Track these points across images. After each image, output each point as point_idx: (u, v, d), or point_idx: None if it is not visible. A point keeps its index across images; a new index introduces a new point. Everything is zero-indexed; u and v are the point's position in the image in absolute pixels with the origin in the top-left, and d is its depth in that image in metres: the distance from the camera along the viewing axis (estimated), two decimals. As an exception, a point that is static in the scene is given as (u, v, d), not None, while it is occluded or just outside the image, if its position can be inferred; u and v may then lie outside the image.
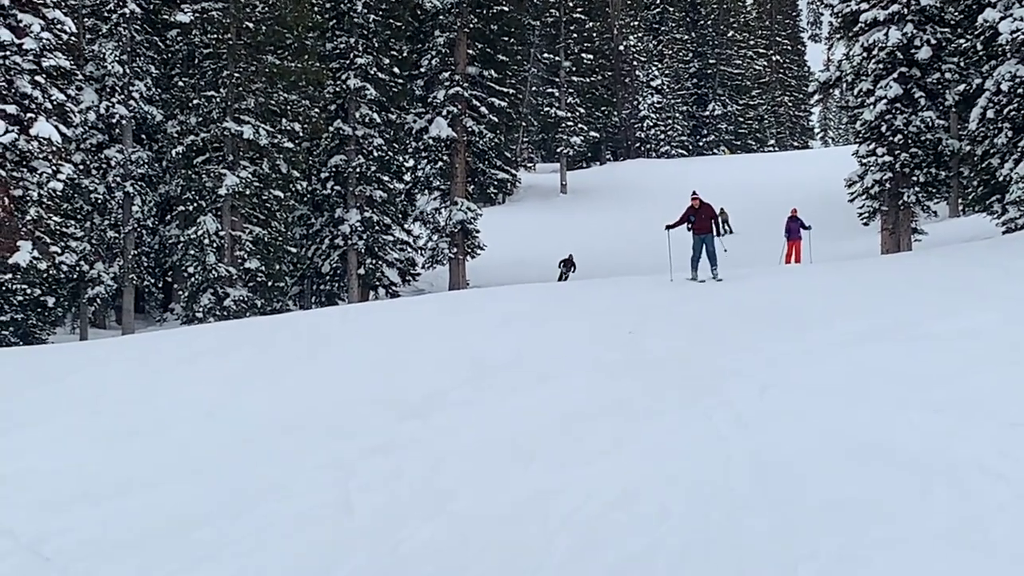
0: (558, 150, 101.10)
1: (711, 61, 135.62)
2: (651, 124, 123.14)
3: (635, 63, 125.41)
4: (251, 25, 54.44)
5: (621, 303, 27.34)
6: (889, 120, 44.23)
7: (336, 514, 11.79)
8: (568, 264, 60.48)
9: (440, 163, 63.59)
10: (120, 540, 11.67)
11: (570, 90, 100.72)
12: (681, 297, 27.47)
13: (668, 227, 32.30)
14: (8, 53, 40.04)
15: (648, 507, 10.62)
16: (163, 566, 10.87)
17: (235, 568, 10.69)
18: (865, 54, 44.96)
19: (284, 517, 11.89)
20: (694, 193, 32.10)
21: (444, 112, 63.58)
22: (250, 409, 18.14)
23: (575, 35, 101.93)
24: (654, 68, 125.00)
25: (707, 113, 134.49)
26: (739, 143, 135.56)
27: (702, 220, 30.99)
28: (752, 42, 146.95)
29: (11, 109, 40.08)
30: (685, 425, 13.40)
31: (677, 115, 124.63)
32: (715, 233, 31.20)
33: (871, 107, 44.91)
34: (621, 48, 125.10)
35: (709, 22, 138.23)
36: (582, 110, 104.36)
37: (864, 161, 46.24)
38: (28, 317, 47.17)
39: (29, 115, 40.33)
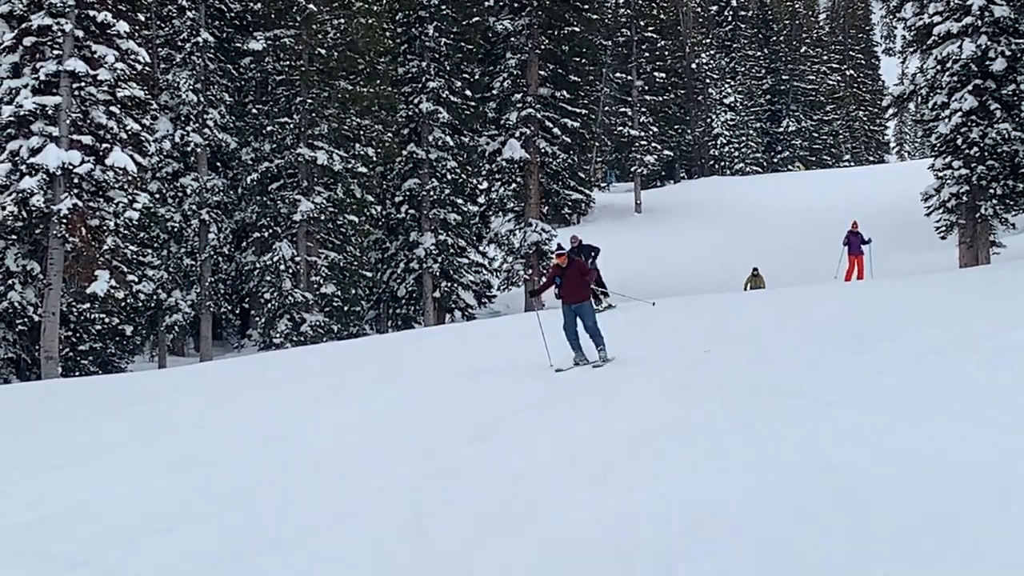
0: (632, 169, 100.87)
1: (784, 77, 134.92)
2: (725, 141, 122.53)
3: (707, 81, 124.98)
4: (323, 51, 54.77)
5: (692, 322, 27.20)
6: (965, 133, 43.72)
7: (408, 538, 11.72)
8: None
9: (514, 184, 63.50)
10: (188, 569, 11.66)
11: (643, 109, 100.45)
12: (749, 316, 27.28)
13: (531, 294, 25.24)
14: (83, 84, 40.39)
15: (723, 527, 10.47)
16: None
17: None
18: (939, 67, 44.49)
19: (355, 542, 11.83)
20: (559, 248, 24.82)
21: (517, 134, 63.54)
22: (323, 434, 18.16)
23: (647, 54, 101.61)
24: (727, 85, 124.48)
25: (781, 129, 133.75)
26: (814, 159, 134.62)
27: (570, 283, 22.52)
28: (825, 57, 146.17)
29: (87, 139, 40.41)
30: (755, 444, 13.23)
31: (751, 132, 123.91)
32: (591, 298, 23.10)
33: (946, 120, 44.41)
34: (693, 66, 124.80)
35: (781, 38, 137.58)
36: (655, 129, 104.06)
37: (940, 175, 45.74)
38: (107, 346, 47.63)
39: (105, 145, 40.64)
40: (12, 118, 39.92)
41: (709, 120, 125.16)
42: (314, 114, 54.62)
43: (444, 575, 10.57)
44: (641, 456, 13.61)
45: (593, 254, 33.04)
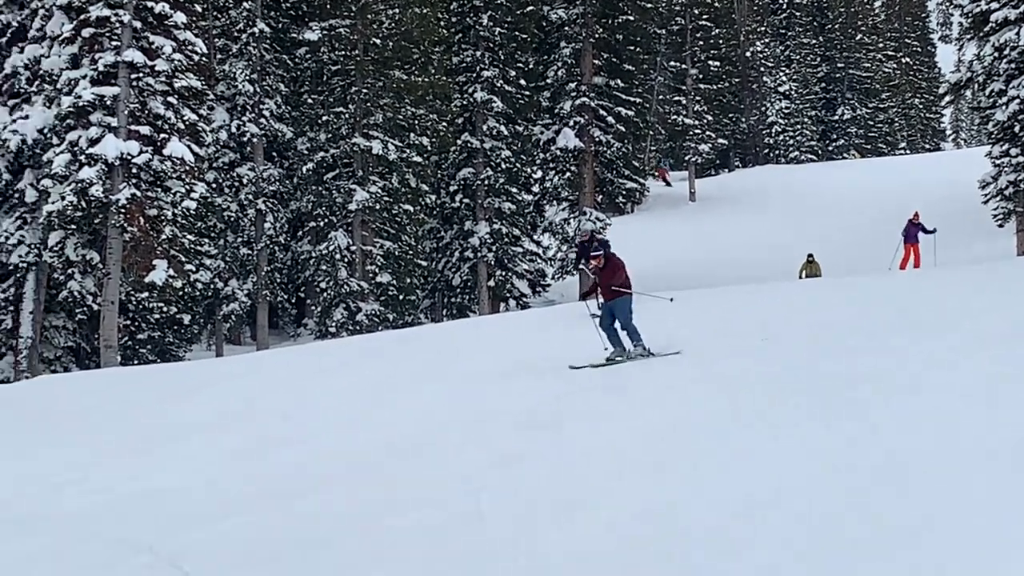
0: (686, 158, 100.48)
1: (839, 65, 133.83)
2: (779, 130, 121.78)
3: (762, 69, 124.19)
4: (378, 41, 54.88)
5: (747, 310, 27.13)
6: (1022, 120, 43.43)
7: (469, 525, 11.80)
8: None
9: (568, 174, 63.37)
10: (253, 555, 11.78)
11: (697, 97, 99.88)
12: (806, 304, 27.17)
13: (582, 297, 25.29)
14: (141, 75, 40.64)
15: (783, 515, 10.49)
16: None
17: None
18: (996, 54, 44.21)
19: (416, 529, 11.92)
20: (595, 246, 25.99)
21: (571, 123, 63.40)
22: (381, 422, 18.25)
23: (701, 42, 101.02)
24: (781, 73, 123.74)
25: (836, 117, 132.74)
26: (869, 147, 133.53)
27: (604, 282, 22.06)
28: (881, 45, 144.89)
29: (145, 130, 40.67)
30: (816, 432, 13.21)
31: (806, 120, 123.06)
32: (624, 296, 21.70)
33: (1003, 108, 44.15)
34: (748, 54, 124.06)
35: (837, 26, 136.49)
36: (709, 117, 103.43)
37: (997, 162, 45.48)
38: (165, 335, 48.03)
39: (162, 135, 40.89)
40: (71, 109, 40.24)
41: (764, 108, 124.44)
42: (369, 104, 54.74)
43: (501, 561, 10.65)
44: (697, 445, 13.63)
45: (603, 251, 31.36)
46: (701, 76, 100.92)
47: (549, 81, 65.27)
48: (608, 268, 21.92)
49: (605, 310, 21.91)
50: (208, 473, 15.90)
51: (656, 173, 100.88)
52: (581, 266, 33.45)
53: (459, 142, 60.69)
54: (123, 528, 13.23)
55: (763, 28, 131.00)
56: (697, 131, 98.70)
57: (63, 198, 39.57)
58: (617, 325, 21.60)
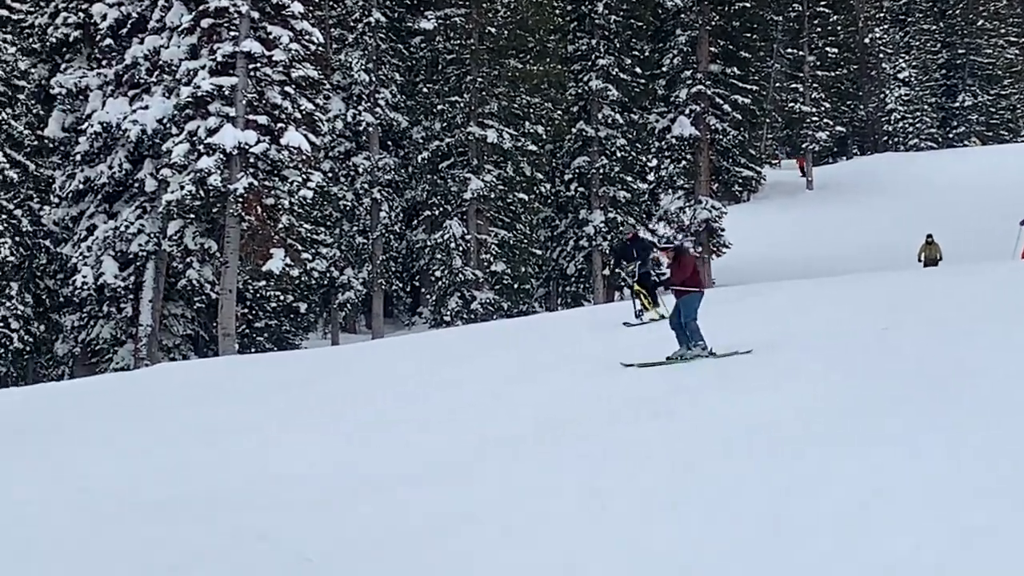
0: (803, 146, 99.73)
1: (960, 51, 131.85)
2: (898, 117, 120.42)
3: (881, 55, 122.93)
4: (493, 30, 54.98)
5: (866, 299, 26.80)
6: None
7: (583, 515, 11.72)
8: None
9: (683, 162, 63.09)
10: (377, 540, 11.77)
11: (814, 85, 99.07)
12: (927, 293, 26.78)
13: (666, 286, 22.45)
14: (259, 65, 40.94)
15: (906, 506, 10.30)
16: (419, 569, 10.94)
17: (488, 570, 10.69)
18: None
19: (532, 517, 11.87)
20: (666, 241, 26.40)
21: (687, 111, 63.10)
22: (500, 411, 18.21)
23: (819, 29, 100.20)
24: (901, 60, 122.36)
25: (956, 104, 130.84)
26: (991, 134, 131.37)
27: (672, 279, 21.42)
28: (1003, 30, 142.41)
29: (262, 120, 40.96)
30: (936, 422, 12.97)
31: (925, 107, 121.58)
32: (688, 295, 20.93)
33: None
34: (866, 41, 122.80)
35: (957, 11, 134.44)
36: (827, 105, 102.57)
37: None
38: (282, 323, 48.52)
39: (279, 125, 41.14)
40: (190, 99, 40.64)
41: (882, 95, 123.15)
42: (484, 93, 54.88)
43: (615, 553, 10.56)
44: (817, 433, 13.45)
45: (644, 254, 29.53)
46: (818, 63, 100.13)
47: (664, 69, 65.08)
48: (678, 266, 21.38)
49: (674, 308, 21.41)
50: (330, 459, 15.93)
51: (796, 162, 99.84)
52: (619, 269, 32.40)
53: (574, 130, 60.67)
54: (245, 514, 13.29)
55: (882, 14, 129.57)
56: (814, 118, 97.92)
57: (182, 187, 39.98)
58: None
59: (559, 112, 58.68)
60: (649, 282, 28.18)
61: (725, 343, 20.51)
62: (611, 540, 10.88)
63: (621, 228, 59.81)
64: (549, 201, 61.09)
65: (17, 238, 46.65)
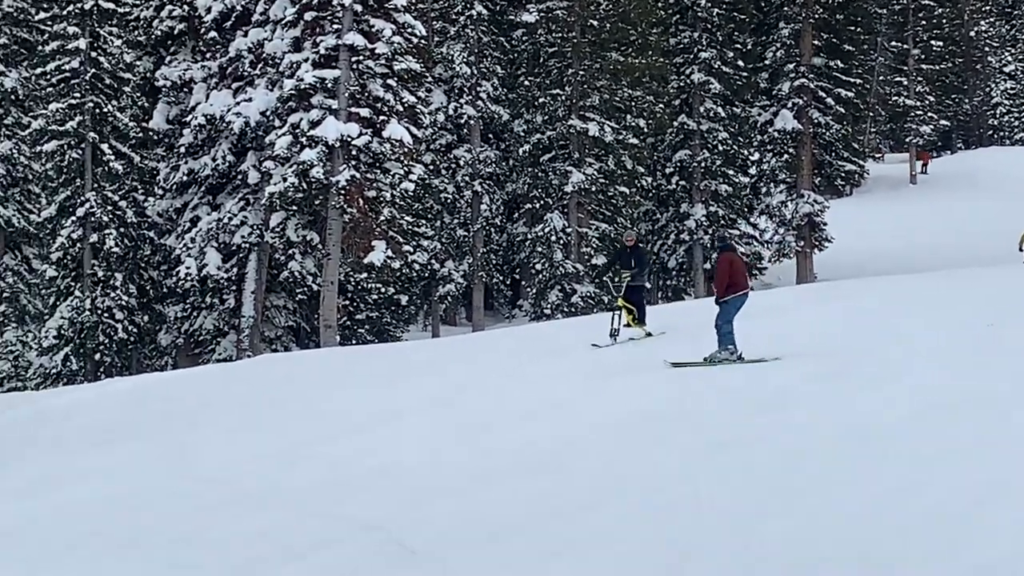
0: (907, 140, 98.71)
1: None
2: (1004, 111, 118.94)
3: (986, 49, 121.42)
4: (595, 23, 54.93)
5: (970, 295, 26.44)
6: None
7: (686, 508, 11.60)
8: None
9: (785, 155, 62.63)
10: (477, 533, 11.74)
11: (919, 78, 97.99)
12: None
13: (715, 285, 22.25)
14: (362, 57, 41.02)
15: (1013, 500, 10.10)
16: (517, 559, 10.87)
17: (587, 562, 10.61)
18: None
19: (635, 511, 11.77)
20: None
21: (789, 104, 62.60)
22: (601, 403, 18.11)
23: (923, 22, 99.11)
24: (1007, 53, 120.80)
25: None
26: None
27: (717, 282, 21.49)
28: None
29: (364, 112, 41.04)
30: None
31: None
32: (725, 299, 20.98)
33: None
34: (972, 34, 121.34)
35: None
36: (931, 98, 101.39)
37: None
38: (382, 315, 48.69)
39: (382, 118, 41.21)
40: (293, 91, 40.81)
41: (988, 89, 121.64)
42: (585, 85, 54.82)
43: (720, 547, 10.44)
44: (927, 430, 13.23)
45: (643, 264, 26.66)
46: (923, 56, 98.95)
47: (767, 62, 64.60)
48: (718, 270, 21.40)
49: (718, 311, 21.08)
50: (436, 450, 15.96)
51: (920, 158, 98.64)
52: (609, 274, 28.95)
53: (675, 124, 60.43)
54: (350, 505, 13.37)
55: (988, 7, 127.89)
56: (918, 112, 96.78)
57: (284, 180, 40.17)
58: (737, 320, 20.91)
59: (661, 105, 58.54)
60: (639, 296, 26.18)
61: (832, 339, 20.36)
62: (723, 528, 10.76)
63: (722, 222, 59.54)
64: (650, 194, 60.98)
65: (122, 229, 47.19)
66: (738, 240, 60.58)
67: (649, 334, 25.72)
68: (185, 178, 45.77)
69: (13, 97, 55.38)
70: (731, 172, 61.51)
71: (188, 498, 14.84)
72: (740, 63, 62.82)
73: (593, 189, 54.03)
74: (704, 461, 13.39)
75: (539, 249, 53.91)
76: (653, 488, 12.56)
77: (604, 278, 28.16)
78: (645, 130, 57.25)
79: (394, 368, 26.26)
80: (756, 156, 65.58)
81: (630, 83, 56.23)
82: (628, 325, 25.79)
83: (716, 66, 60.60)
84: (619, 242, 53.54)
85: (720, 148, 60.38)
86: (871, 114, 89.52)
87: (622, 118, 55.82)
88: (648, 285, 27.03)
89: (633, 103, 56.33)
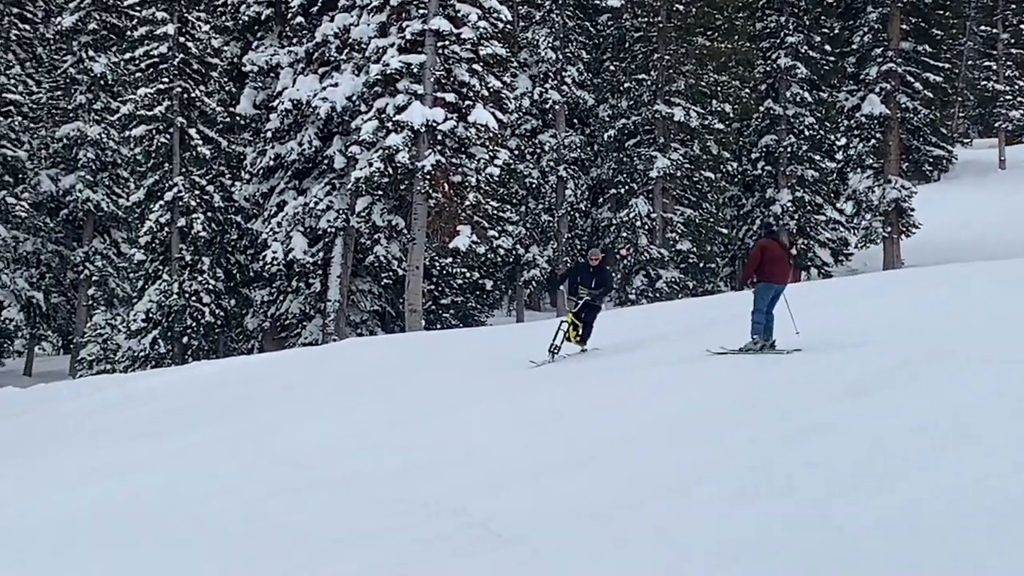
0: (996, 125, 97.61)
1: None
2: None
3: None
4: (681, 7, 54.78)
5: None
6: None
7: (770, 496, 11.50)
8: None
9: (872, 141, 62.14)
10: (554, 519, 11.71)
11: (1008, 63, 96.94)
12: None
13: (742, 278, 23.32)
14: (447, 43, 41.08)
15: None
16: (587, 548, 10.83)
17: (654, 552, 10.52)
18: None
19: (717, 497, 11.68)
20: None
21: (876, 89, 62.10)
22: (683, 389, 18.02)
23: (1014, 6, 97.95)
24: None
25: None
26: None
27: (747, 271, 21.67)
28: None
29: (450, 97, 41.12)
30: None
31: None
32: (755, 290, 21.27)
33: None
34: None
35: None
36: (1021, 83, 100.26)
37: None
38: (467, 300, 48.78)
39: (467, 103, 41.28)
40: (379, 76, 40.94)
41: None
42: (671, 70, 54.67)
43: (806, 535, 10.33)
44: (1002, 420, 13.03)
45: (605, 285, 25.46)
46: (1013, 40, 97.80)
47: (854, 46, 64.07)
48: (750, 256, 21.29)
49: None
50: (506, 438, 15.94)
51: None
52: (563, 288, 27.66)
53: (762, 109, 60.09)
54: (431, 488, 13.36)
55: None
56: (1008, 97, 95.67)
57: (370, 164, 40.31)
58: (777, 310, 20.99)
59: (747, 90, 58.38)
60: (592, 316, 25.07)
61: (912, 326, 20.13)
62: (802, 516, 10.67)
63: (808, 207, 59.13)
64: (735, 180, 60.73)
65: (209, 213, 47.58)
66: (824, 225, 60.21)
67: (584, 350, 24.80)
68: (272, 163, 46.06)
69: (102, 82, 56.08)
70: (817, 157, 61.11)
71: (274, 482, 14.93)
72: (827, 47, 62.41)
73: (678, 174, 53.92)
74: (790, 447, 13.28)
75: (624, 234, 53.90)
76: (732, 474, 12.45)
77: (563, 291, 27.48)
78: (731, 115, 57.05)
79: (477, 351, 26.28)
80: (843, 141, 65.09)
81: (716, 68, 56.07)
82: (568, 340, 24.72)
83: (803, 51, 60.18)
84: (704, 227, 53.58)
85: (806, 133, 59.99)
86: (959, 99, 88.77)
87: (708, 103, 55.65)
88: (603, 309, 25.90)
89: (719, 88, 56.15)
